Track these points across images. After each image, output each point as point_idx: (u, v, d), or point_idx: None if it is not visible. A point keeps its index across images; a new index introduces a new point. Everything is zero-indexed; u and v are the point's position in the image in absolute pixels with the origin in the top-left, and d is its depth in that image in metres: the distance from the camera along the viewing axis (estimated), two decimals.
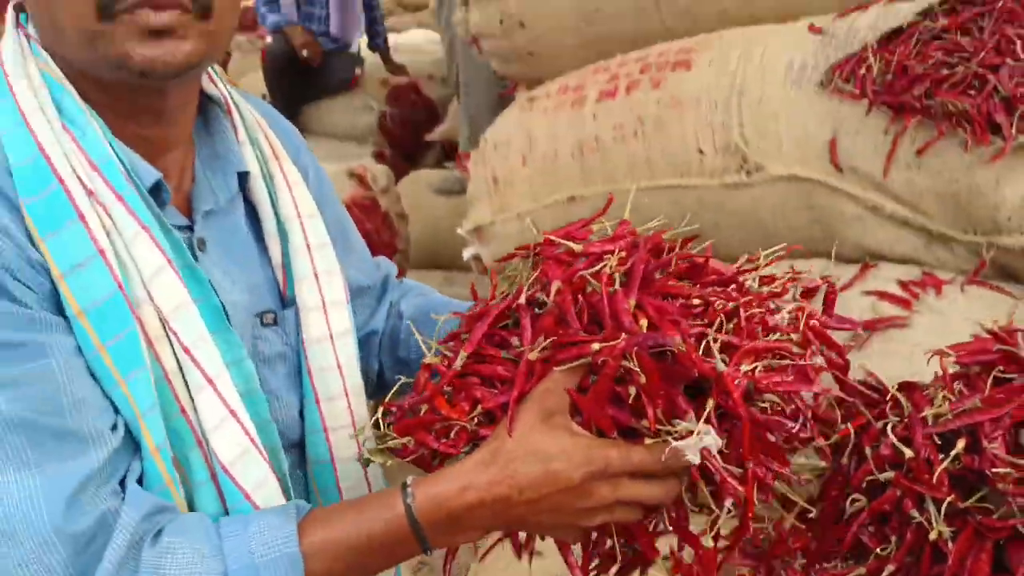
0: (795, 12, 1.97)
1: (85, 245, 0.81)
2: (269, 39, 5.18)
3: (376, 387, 1.19)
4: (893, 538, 0.94)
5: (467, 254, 2.37)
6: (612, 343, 0.80)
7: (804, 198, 1.78)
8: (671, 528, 0.88)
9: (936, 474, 0.89)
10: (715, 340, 0.80)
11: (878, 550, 0.94)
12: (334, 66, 4.99)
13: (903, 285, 1.64)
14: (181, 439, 0.85)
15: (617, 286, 0.85)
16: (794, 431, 0.86)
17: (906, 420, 0.96)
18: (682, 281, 0.89)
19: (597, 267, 0.86)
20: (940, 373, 0.99)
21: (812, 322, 0.90)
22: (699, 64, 1.91)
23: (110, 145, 0.86)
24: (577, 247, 0.90)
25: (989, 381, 0.94)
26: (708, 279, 0.90)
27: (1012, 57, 1.56)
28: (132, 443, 0.83)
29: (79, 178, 0.83)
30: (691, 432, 0.78)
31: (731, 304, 0.84)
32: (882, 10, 1.76)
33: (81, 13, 0.81)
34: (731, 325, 0.84)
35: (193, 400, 0.86)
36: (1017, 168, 1.54)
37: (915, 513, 0.91)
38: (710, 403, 0.79)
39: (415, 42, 6.57)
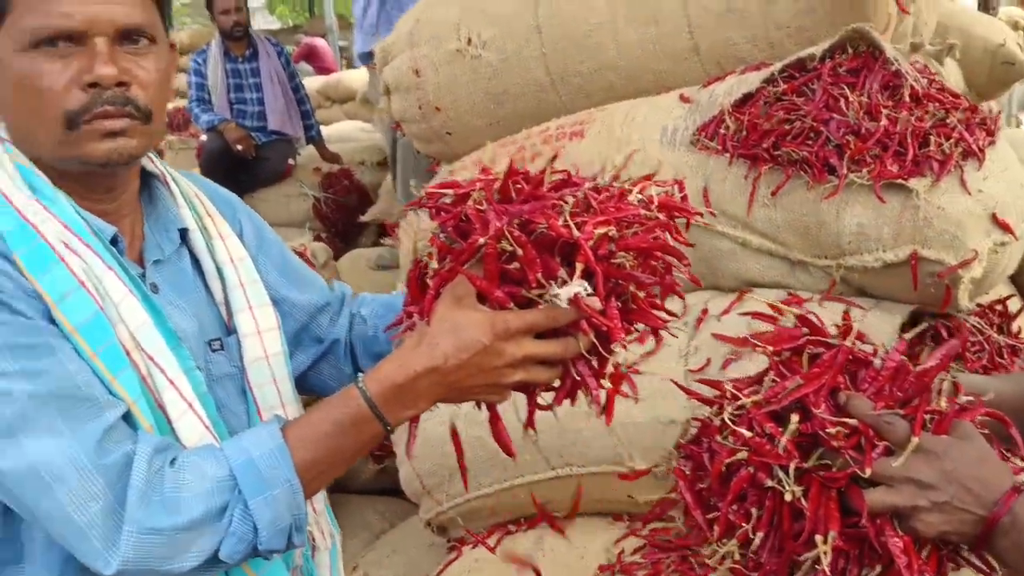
0: (670, 85, 2.32)
1: (68, 280, 1.05)
2: (204, 137, 5.42)
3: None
4: (754, 511, 1.05)
5: None
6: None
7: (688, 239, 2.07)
8: (579, 378, 1.07)
9: (782, 444, 1.03)
10: (570, 214, 1.02)
11: (744, 525, 1.05)
12: (268, 157, 5.25)
13: (772, 306, 1.93)
14: (160, 426, 1.08)
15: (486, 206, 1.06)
16: (645, 280, 1.06)
17: (744, 410, 1.09)
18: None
19: (469, 201, 1.08)
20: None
21: (663, 197, 1.10)
22: (590, 134, 2.22)
23: (75, 211, 1.11)
24: (450, 192, 1.12)
25: (804, 360, 1.11)
26: (570, 187, 1.11)
27: (838, 112, 1.89)
28: (134, 421, 1.05)
29: (55, 235, 1.07)
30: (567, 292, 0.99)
31: (580, 193, 1.06)
32: (736, 79, 2.10)
33: (52, 127, 1.07)
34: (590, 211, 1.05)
35: (161, 396, 1.09)
36: (851, 201, 1.86)
37: (769, 481, 1.03)
38: (579, 265, 1.00)
39: (345, 131, 6.88)
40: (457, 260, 1.07)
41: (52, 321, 1.04)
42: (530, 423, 1.16)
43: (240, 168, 5.17)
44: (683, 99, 2.17)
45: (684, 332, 2.00)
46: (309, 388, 1.41)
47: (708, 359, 1.88)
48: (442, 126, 2.66)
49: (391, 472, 2.50)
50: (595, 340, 1.05)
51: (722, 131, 2.00)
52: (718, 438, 1.12)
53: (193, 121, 5.74)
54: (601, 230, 1.03)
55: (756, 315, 1.93)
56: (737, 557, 1.07)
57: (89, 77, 1.05)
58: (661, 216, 1.11)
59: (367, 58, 4.42)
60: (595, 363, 1.09)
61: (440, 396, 1.06)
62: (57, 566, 1.09)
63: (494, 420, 1.13)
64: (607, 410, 1.10)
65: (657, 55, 2.32)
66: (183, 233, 1.24)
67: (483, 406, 1.13)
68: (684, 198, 1.19)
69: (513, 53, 2.48)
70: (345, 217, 5.18)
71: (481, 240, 1.03)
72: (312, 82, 8.74)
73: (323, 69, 10.24)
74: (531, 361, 1.04)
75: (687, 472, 1.17)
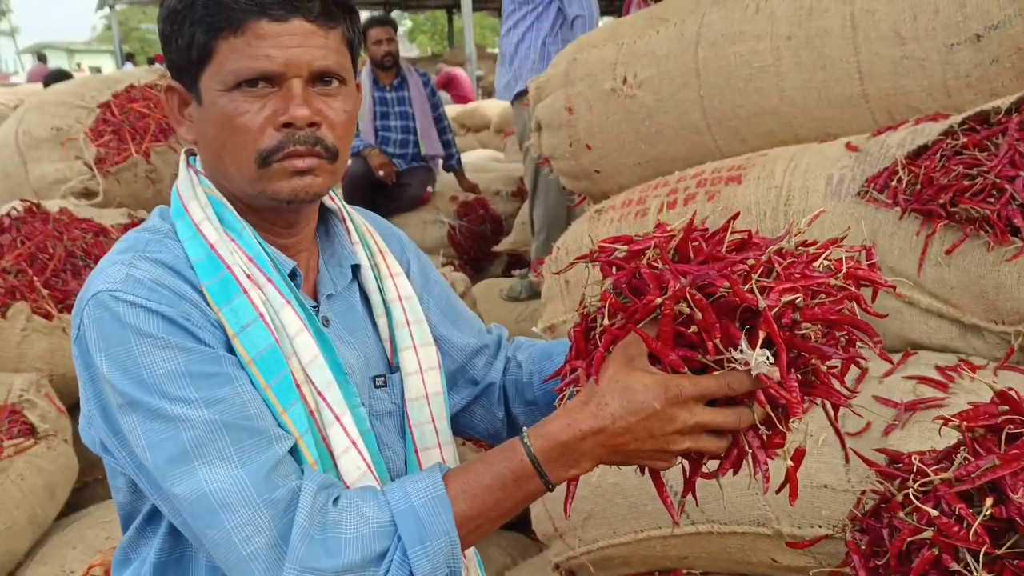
0: (833, 132, 2.23)
1: (249, 312, 1.09)
2: (349, 161, 5.60)
3: (509, 430, 1.41)
4: None
5: None
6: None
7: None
8: (749, 450, 1.03)
9: (974, 527, 0.98)
10: (756, 280, 0.98)
11: None
12: (409, 184, 5.38)
13: (941, 370, 1.82)
14: (324, 461, 1.10)
15: (661, 266, 1.03)
16: (831, 355, 0.99)
17: (931, 486, 1.05)
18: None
19: (645, 258, 1.05)
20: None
21: (851, 265, 1.04)
22: (749, 179, 2.16)
23: (259, 244, 1.15)
24: (623, 247, 1.09)
25: (1002, 439, 1.06)
26: (751, 248, 1.07)
27: None
28: (299, 455, 1.07)
29: (240, 267, 1.11)
30: (747, 360, 0.95)
31: (764, 256, 1.01)
32: (910, 130, 2.00)
33: (245, 164, 1.11)
34: (773, 276, 1.00)
35: (326, 431, 1.11)
36: None
37: (955, 565, 0.98)
38: (761, 333, 0.95)
39: (479, 160, 6.98)
40: (630, 318, 1.04)
41: (231, 351, 1.08)
42: (690, 490, 1.11)
43: (381, 193, 5.31)
44: (850, 148, 2.08)
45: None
46: (459, 429, 1.42)
47: (868, 423, 1.77)
48: (591, 164, 2.65)
49: None
50: (771, 412, 1.01)
51: (894, 183, 1.90)
52: (900, 514, 1.07)
53: None
54: (787, 298, 0.99)
55: (923, 379, 1.84)
56: None
57: (284, 118, 1.09)
58: (850, 285, 1.05)
59: (520, 94, 4.41)
60: (764, 434, 1.05)
61: (604, 458, 1.04)
62: None
63: (658, 487, 1.09)
64: (791, 489, 1.05)
65: (822, 102, 2.24)
66: (355, 269, 1.27)
67: (646, 471, 1.09)
68: (872, 265, 1.13)
69: (669, 95, 2.45)
70: (478, 246, 5.25)
71: (658, 300, 1.00)
72: (449, 110, 8.96)
73: (461, 98, 10.48)
74: (701, 429, 1.01)
75: (862, 546, 1.11)
